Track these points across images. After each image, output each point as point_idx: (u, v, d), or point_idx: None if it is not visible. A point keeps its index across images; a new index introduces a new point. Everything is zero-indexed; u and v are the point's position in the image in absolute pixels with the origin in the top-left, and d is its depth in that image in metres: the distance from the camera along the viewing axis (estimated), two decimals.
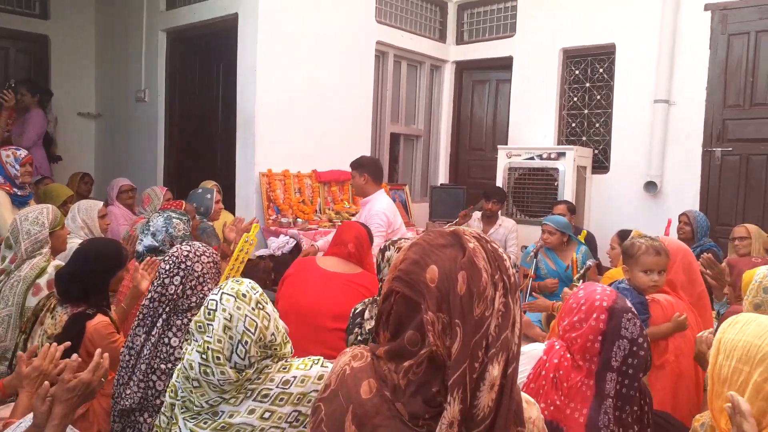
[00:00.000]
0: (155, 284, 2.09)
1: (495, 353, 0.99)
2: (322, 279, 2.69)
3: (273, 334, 1.50)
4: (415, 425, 1.01)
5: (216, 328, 1.44)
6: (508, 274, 1.04)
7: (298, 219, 4.89)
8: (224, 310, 1.46)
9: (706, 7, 5.20)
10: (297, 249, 4.52)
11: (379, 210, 4.03)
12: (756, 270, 1.83)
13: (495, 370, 0.99)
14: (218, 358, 1.42)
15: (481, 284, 1.00)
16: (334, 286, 2.66)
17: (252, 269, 3.88)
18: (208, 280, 2.15)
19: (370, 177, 4.13)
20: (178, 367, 1.56)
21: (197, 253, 2.12)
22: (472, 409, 0.98)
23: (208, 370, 1.41)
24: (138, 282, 2.57)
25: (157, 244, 2.90)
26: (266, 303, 1.54)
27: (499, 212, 5.27)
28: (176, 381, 1.55)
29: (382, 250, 2.31)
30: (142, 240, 2.94)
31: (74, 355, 1.64)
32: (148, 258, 2.74)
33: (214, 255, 2.21)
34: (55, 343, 1.87)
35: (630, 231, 4.19)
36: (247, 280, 1.56)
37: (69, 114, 6.42)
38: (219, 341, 1.43)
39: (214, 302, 1.48)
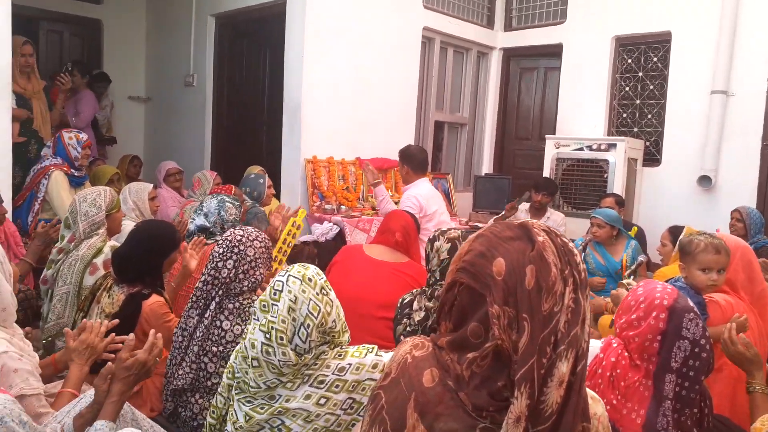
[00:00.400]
0: (209, 267, 2.12)
1: (564, 350, 0.97)
2: (369, 267, 2.69)
3: (334, 320, 1.51)
4: (479, 416, 1.00)
5: (281, 308, 1.45)
6: (578, 270, 1.02)
7: (342, 206, 4.90)
8: (290, 291, 1.46)
9: None
10: (340, 236, 4.53)
11: (411, 194, 4.11)
12: None
13: (564, 367, 0.97)
14: (281, 338, 1.43)
15: (551, 279, 0.98)
16: (381, 275, 2.66)
17: (297, 254, 3.91)
18: (260, 265, 2.18)
19: (411, 169, 4.23)
20: (237, 347, 1.58)
21: (250, 238, 2.15)
22: (539, 405, 0.96)
23: (270, 350, 1.42)
24: (187, 261, 2.63)
25: (208, 225, 2.95)
26: (330, 290, 1.55)
27: (548, 205, 5.17)
28: (233, 362, 1.57)
29: (431, 240, 2.29)
30: (194, 219, 3.00)
31: (131, 335, 1.68)
32: (196, 238, 2.79)
33: (266, 240, 2.24)
34: (101, 320, 1.92)
35: (682, 227, 4.05)
36: (312, 266, 1.57)
37: (120, 98, 6.57)
38: (283, 321, 1.43)
39: (281, 283, 1.49)
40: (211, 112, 5.94)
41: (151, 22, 6.66)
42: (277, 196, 5.04)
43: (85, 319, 2.24)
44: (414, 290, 2.37)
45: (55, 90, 4.79)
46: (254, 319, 1.51)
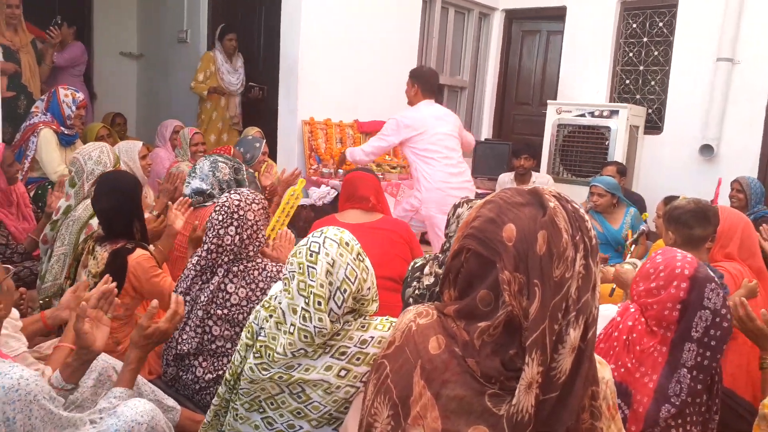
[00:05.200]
0: (210, 236, 2.07)
1: (575, 316, 0.97)
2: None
3: (369, 288, 1.47)
4: (488, 382, 0.99)
5: (319, 271, 1.38)
6: (589, 236, 1.01)
7: (339, 170, 4.83)
8: (327, 254, 1.40)
9: None
10: (338, 200, 4.47)
11: (396, 116, 3.95)
12: None
13: (574, 334, 0.97)
14: (319, 303, 1.37)
15: (562, 245, 0.97)
16: (362, 238, 2.59)
17: (294, 218, 3.84)
18: (261, 227, 2.16)
19: (420, 88, 3.97)
20: (262, 315, 1.51)
21: (248, 201, 2.11)
22: (550, 372, 0.96)
23: (307, 316, 1.37)
24: (171, 221, 2.59)
25: (206, 187, 2.89)
26: (365, 256, 1.50)
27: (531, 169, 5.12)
28: (254, 323, 1.52)
29: (455, 206, 2.24)
30: (189, 183, 2.93)
31: (154, 301, 1.64)
32: (181, 198, 2.73)
33: (263, 201, 2.20)
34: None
35: (677, 197, 4.03)
36: (347, 231, 1.51)
37: (111, 53, 6.40)
38: (321, 286, 1.38)
39: (317, 245, 1.42)
40: None
41: None
42: (274, 158, 4.95)
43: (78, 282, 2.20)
44: (427, 255, 2.35)
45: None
46: (291, 282, 1.43)
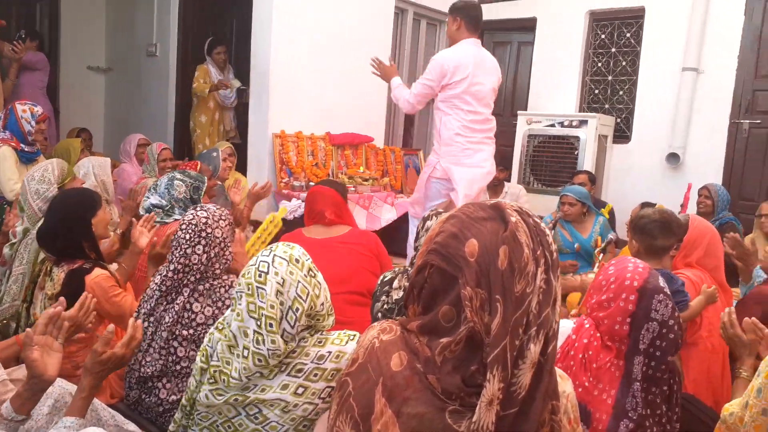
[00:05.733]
0: (177, 255, 2.02)
1: (536, 331, 0.98)
2: (314, 248, 2.56)
3: (322, 303, 1.45)
4: (448, 399, 0.99)
5: (268, 292, 1.36)
6: (550, 250, 1.01)
7: (311, 183, 4.80)
8: (276, 273, 1.37)
9: None
10: None
11: (438, 57, 3.58)
12: None
13: (535, 348, 0.97)
14: (271, 325, 1.35)
15: (523, 260, 0.97)
16: (328, 253, 2.61)
17: None
18: (228, 245, 2.12)
19: (464, 21, 3.56)
20: (213, 333, 1.48)
21: (215, 218, 2.07)
22: (510, 387, 0.96)
23: (260, 339, 1.34)
24: (136, 239, 2.53)
25: (164, 204, 2.85)
26: (317, 271, 1.47)
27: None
28: (208, 346, 1.48)
29: (424, 219, 2.23)
30: (148, 197, 2.90)
31: (111, 326, 1.58)
32: (147, 214, 2.69)
33: (229, 216, 2.16)
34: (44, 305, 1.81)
35: (653, 204, 4.09)
36: (298, 246, 1.48)
37: (78, 68, 6.31)
38: (272, 307, 1.35)
39: (266, 264, 1.39)
40: (175, 83, 5.74)
41: None
42: (244, 171, 4.91)
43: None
44: (396, 269, 2.34)
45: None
46: (237, 304, 1.41)
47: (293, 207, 4.47)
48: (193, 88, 5.39)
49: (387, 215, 4.96)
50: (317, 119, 5.08)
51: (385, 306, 2.16)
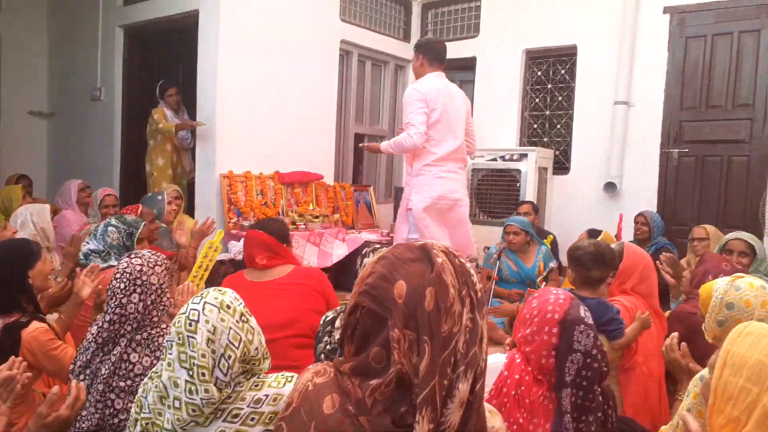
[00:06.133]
0: (112, 305, 1.97)
1: (463, 370, 1.00)
2: (256, 292, 2.55)
3: (256, 348, 1.44)
4: None
5: (199, 341, 1.35)
6: (475, 290, 1.05)
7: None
8: (207, 321, 1.37)
9: (665, 10, 5.31)
10: None
11: (410, 89, 3.71)
12: (713, 284, 1.82)
13: (463, 387, 0.99)
14: (203, 374, 1.33)
15: (449, 300, 1.00)
16: (270, 295, 2.56)
17: (212, 275, 3.79)
18: (166, 291, 2.07)
19: (425, 58, 3.76)
20: (150, 386, 1.46)
21: (150, 265, 2.02)
22: (439, 427, 0.97)
23: (192, 388, 1.33)
24: (78, 289, 2.45)
25: (101, 249, 2.83)
26: (250, 316, 1.47)
27: None
28: (142, 396, 1.47)
29: (362, 257, 2.26)
30: (87, 243, 2.86)
31: (55, 387, 1.54)
32: (92, 264, 2.64)
33: (166, 261, 2.13)
34: None
35: (599, 231, 4.26)
36: (230, 290, 1.48)
37: (19, 112, 6.18)
38: (203, 356, 1.34)
39: (196, 312, 1.38)
40: (120, 128, 5.68)
41: (54, 33, 6.31)
42: (192, 213, 4.88)
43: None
44: (338, 308, 2.34)
45: None
46: (168, 353, 1.40)
47: (242, 247, 4.46)
48: (151, 130, 5.18)
49: (338, 251, 4.99)
50: (266, 158, 5.12)
51: (328, 347, 2.15)
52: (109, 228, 2.86)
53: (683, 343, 2.05)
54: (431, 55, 3.77)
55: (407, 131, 3.65)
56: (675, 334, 2.07)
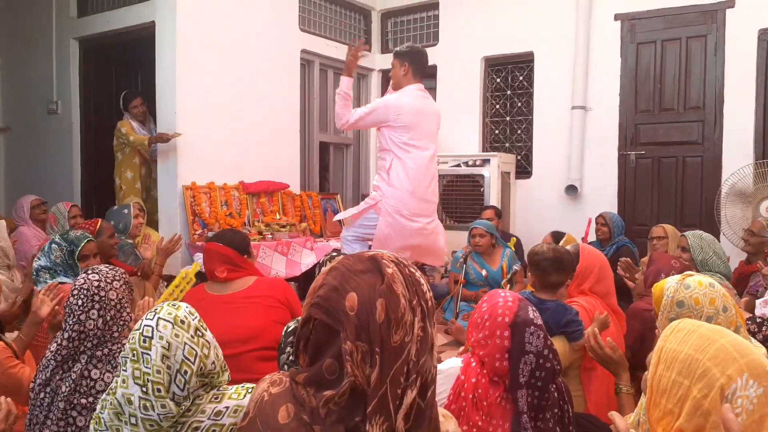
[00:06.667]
0: (70, 322, 1.95)
1: (415, 378, 1.01)
2: (218, 306, 2.53)
3: (213, 362, 1.43)
4: None
5: (154, 357, 1.34)
6: (425, 299, 1.06)
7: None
8: (161, 337, 1.36)
9: (616, 17, 5.47)
10: None
11: (393, 98, 3.60)
12: (664, 282, 1.88)
13: (413, 395, 1.01)
14: (159, 390, 1.33)
15: (399, 311, 1.01)
16: (233, 309, 2.53)
17: None
18: (125, 306, 2.06)
19: (411, 68, 3.61)
20: (108, 402, 1.44)
21: (108, 280, 2.01)
22: None
23: (148, 404, 1.32)
24: (37, 307, 2.40)
25: (50, 265, 2.80)
26: (205, 330, 1.46)
27: None
28: (101, 413, 1.45)
29: (320, 264, 2.26)
30: (39, 258, 2.83)
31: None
32: (51, 282, 2.58)
33: (124, 276, 2.10)
34: None
35: (563, 233, 4.35)
36: (184, 305, 1.47)
37: None
38: (158, 372, 1.33)
39: (150, 329, 1.37)
40: (80, 141, 5.57)
41: (6, 46, 6.14)
42: (155, 226, 4.81)
43: None
44: (298, 318, 2.33)
45: None
46: (123, 370, 1.38)
47: None
48: (119, 143, 5.02)
49: (307, 260, 4.98)
50: (229, 169, 5.08)
51: (291, 357, 2.15)
52: (53, 246, 2.83)
53: (609, 338, 2.10)
54: (416, 66, 3.64)
55: (351, 111, 3.61)
56: (594, 331, 2.10)
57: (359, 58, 3.76)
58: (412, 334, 1.01)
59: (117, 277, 2.04)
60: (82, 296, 1.96)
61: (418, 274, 1.09)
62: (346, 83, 3.66)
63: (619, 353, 2.09)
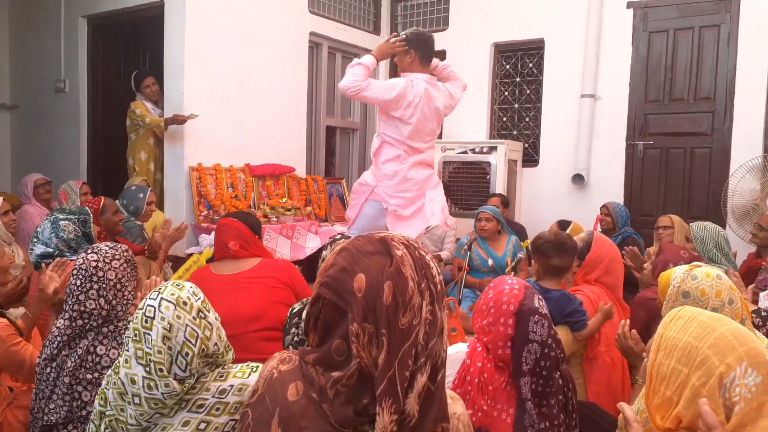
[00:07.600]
0: (70, 303, 1.94)
1: (424, 361, 1.01)
2: (223, 285, 2.53)
3: (216, 344, 1.43)
4: (342, 427, 1.01)
5: (154, 338, 1.34)
6: (434, 282, 1.06)
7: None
8: (163, 318, 1.36)
9: (629, 5, 5.41)
10: None
11: (405, 80, 3.41)
12: (671, 272, 1.86)
13: (424, 378, 1.01)
14: (161, 369, 1.33)
15: (407, 293, 1.01)
16: (238, 289, 2.54)
17: None
18: (126, 284, 2.04)
19: (418, 54, 3.45)
20: (111, 381, 1.45)
21: (107, 260, 1.99)
22: (402, 416, 0.99)
23: (152, 384, 1.32)
24: (44, 285, 2.36)
25: (52, 251, 2.68)
26: (208, 311, 1.45)
27: None
28: (106, 389, 1.46)
29: (321, 248, 2.25)
30: (33, 249, 2.69)
31: None
32: (58, 259, 2.52)
33: (125, 253, 2.07)
34: None
35: (569, 222, 4.33)
36: (188, 285, 1.46)
37: None
38: (159, 352, 1.33)
39: (152, 309, 1.37)
40: (86, 120, 5.58)
41: (15, 24, 6.14)
42: (161, 206, 4.83)
43: None
44: (304, 299, 2.34)
45: None
46: (126, 350, 1.38)
47: (213, 240, 4.42)
48: (132, 124, 4.94)
49: (311, 243, 4.99)
50: (236, 151, 5.08)
51: (296, 338, 2.15)
52: (61, 222, 2.70)
53: (633, 331, 2.10)
54: (423, 52, 3.49)
55: (367, 82, 3.40)
56: (626, 322, 2.11)
57: (394, 53, 3.61)
58: (420, 317, 1.01)
59: (117, 256, 2.02)
60: (80, 276, 1.95)
61: (428, 257, 1.08)
62: (370, 60, 3.50)
63: (641, 347, 2.07)
